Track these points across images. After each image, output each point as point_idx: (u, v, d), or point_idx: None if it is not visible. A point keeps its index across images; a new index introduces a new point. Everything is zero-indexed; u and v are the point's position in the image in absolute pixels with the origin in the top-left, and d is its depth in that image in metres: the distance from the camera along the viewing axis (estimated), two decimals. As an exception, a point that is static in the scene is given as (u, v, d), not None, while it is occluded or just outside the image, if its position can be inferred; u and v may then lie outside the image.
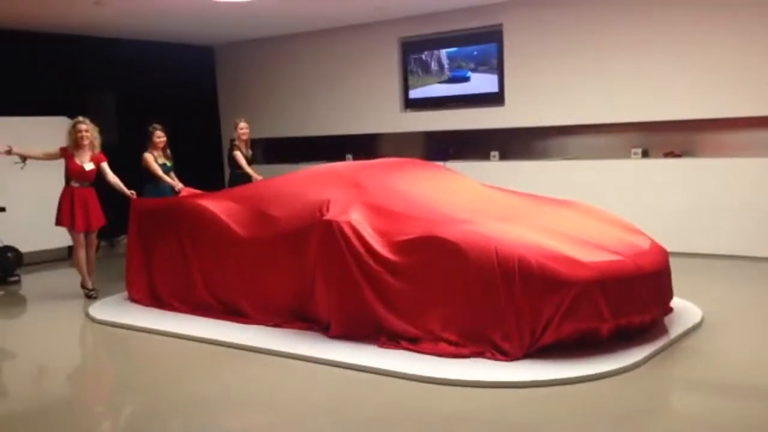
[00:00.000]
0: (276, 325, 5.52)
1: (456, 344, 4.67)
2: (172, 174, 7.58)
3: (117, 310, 6.37)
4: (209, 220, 6.04)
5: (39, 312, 6.80)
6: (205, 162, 10.46)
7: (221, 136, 11.52)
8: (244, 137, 8.23)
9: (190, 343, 5.40)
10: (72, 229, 6.83)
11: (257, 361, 4.93)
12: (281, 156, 11.24)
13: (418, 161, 6.97)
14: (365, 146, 10.28)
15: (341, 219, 5.14)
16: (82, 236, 6.87)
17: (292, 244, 5.46)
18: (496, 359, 4.52)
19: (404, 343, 4.81)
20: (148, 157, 7.39)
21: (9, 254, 7.95)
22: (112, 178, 6.94)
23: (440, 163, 7.90)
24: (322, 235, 5.18)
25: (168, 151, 7.59)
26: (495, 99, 9.16)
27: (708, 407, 4.00)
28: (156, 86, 10.64)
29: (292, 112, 10.94)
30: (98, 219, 6.96)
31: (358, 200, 5.41)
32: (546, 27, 8.68)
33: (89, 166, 6.84)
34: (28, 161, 7.00)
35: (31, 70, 9.46)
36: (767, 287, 6.62)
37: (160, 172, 7.35)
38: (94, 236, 7.03)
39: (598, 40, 8.35)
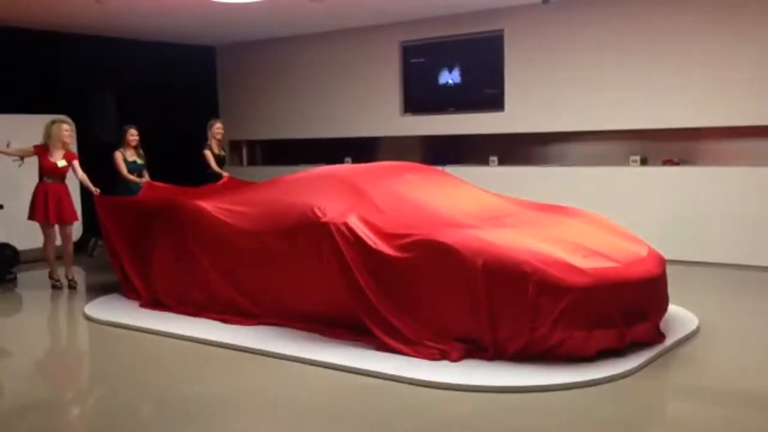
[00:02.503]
0: (267, 324, 5.53)
1: (451, 348, 4.66)
2: (145, 171, 7.94)
3: (113, 309, 6.36)
4: (206, 219, 6.02)
5: (35, 310, 6.80)
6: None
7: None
8: (219, 137, 8.47)
9: (186, 343, 5.39)
10: (45, 223, 7.13)
11: (252, 363, 4.92)
12: (280, 157, 11.26)
13: (418, 165, 6.97)
14: (365, 149, 10.27)
15: (339, 221, 5.15)
16: (54, 231, 7.21)
17: (290, 246, 5.45)
18: (490, 361, 4.53)
19: (401, 347, 4.79)
20: (117, 155, 7.79)
21: (6, 252, 7.92)
22: (81, 175, 7.27)
23: (439, 168, 7.90)
24: (320, 237, 5.18)
25: (140, 150, 7.94)
26: (495, 104, 9.16)
27: (703, 415, 3.99)
28: (157, 86, 10.63)
29: (293, 113, 10.95)
30: (71, 213, 7.29)
31: (356, 203, 5.41)
32: (546, 33, 8.69)
33: (62, 163, 7.18)
34: (25, 159, 7.19)
35: (31, 68, 9.46)
36: (764, 296, 6.63)
37: (124, 171, 7.76)
38: (68, 230, 7.33)
39: (598, 47, 8.36)
